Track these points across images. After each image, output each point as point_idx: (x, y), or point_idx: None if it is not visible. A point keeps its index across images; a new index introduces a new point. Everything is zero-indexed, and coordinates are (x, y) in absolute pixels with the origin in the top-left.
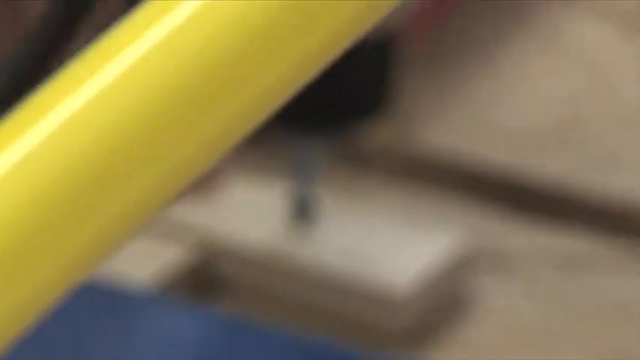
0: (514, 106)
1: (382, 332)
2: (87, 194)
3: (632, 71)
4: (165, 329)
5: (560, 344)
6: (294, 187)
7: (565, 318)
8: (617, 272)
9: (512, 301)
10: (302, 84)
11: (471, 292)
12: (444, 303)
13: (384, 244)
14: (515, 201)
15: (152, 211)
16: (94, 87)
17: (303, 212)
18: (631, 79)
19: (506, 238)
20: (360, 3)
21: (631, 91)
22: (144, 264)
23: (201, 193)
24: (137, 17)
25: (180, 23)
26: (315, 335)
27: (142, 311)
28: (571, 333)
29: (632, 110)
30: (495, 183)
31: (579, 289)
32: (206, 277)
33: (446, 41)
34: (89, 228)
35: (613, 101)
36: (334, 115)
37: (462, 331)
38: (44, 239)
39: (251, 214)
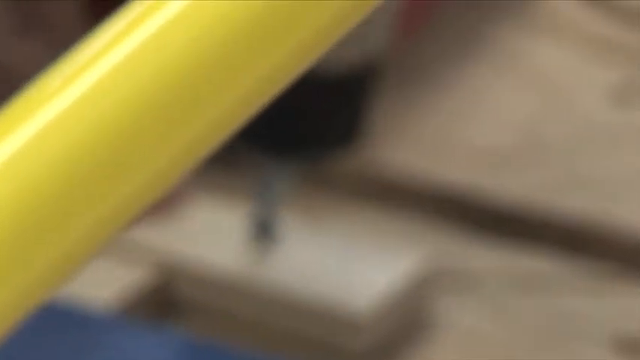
0: (476, 128)
1: (344, 354)
2: (60, 204)
3: (591, 92)
4: (126, 350)
5: None
6: (256, 208)
7: (527, 338)
8: (579, 292)
9: (474, 321)
10: (282, 87)
11: (434, 313)
12: (406, 323)
13: (346, 265)
14: (477, 222)
15: (120, 224)
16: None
17: (265, 234)
18: (590, 100)
19: (469, 258)
20: (341, 3)
21: (590, 112)
22: (105, 286)
23: (162, 214)
24: (113, 24)
25: (145, 38)
26: (277, 357)
27: (103, 332)
28: (532, 352)
29: (591, 131)
30: (457, 204)
31: (541, 308)
32: (167, 299)
33: (408, 65)
34: (58, 244)
35: (573, 122)
36: (305, 142)
37: (424, 351)
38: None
39: (213, 236)
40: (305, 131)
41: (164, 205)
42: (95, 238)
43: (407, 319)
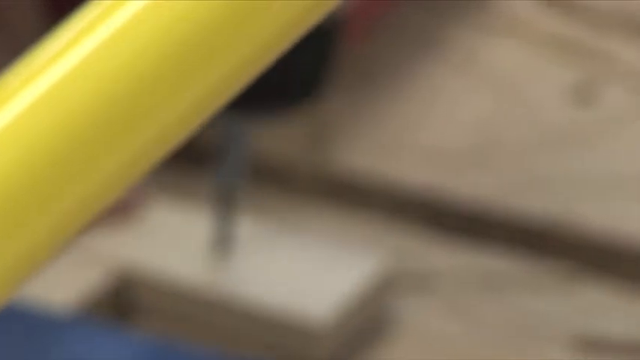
0: (434, 128)
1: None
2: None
3: (549, 92)
4: (83, 352)
5: None
6: (215, 212)
7: (489, 337)
8: (540, 292)
9: (435, 321)
10: (241, 86)
11: (394, 314)
12: (367, 326)
13: (306, 268)
14: (437, 222)
15: (77, 227)
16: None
17: (224, 238)
18: (548, 100)
19: (429, 259)
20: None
21: (548, 112)
22: (63, 288)
23: (120, 216)
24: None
25: (102, 41)
26: (237, 357)
27: (61, 334)
28: (494, 352)
29: (549, 130)
30: (417, 205)
31: (501, 308)
32: (124, 305)
33: (364, 65)
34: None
35: (531, 122)
36: (263, 95)
37: (385, 353)
38: None
39: (171, 239)
40: (263, 84)
41: (122, 207)
42: (46, 245)
43: (368, 322)
